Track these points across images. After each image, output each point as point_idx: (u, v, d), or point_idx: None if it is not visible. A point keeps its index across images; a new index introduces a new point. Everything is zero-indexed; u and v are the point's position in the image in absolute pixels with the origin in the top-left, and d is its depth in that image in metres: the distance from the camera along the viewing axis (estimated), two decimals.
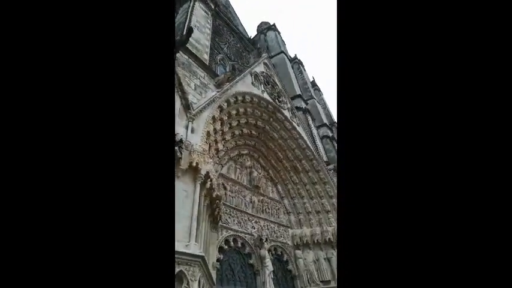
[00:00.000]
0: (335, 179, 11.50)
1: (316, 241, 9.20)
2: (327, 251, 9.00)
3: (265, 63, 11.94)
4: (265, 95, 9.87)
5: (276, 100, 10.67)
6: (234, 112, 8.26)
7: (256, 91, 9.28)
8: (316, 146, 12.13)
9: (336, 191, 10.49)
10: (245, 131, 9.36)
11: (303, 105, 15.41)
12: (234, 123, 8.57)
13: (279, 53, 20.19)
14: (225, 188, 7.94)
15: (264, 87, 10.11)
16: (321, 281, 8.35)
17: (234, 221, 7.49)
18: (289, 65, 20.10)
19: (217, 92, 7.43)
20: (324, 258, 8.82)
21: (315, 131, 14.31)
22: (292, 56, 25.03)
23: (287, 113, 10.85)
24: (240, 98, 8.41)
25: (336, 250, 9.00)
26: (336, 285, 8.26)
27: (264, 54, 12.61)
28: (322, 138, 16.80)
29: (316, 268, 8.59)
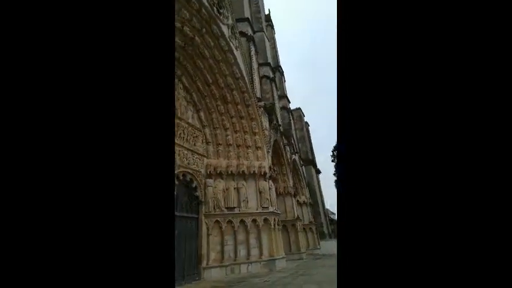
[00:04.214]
0: (263, 118, 11.26)
1: (230, 172, 9.16)
2: (238, 181, 9.17)
3: None
4: None
5: (215, 8, 8.58)
6: None
7: None
8: (253, 81, 11.16)
9: (260, 129, 10.32)
10: None
11: (249, 31, 13.48)
12: None
13: None
14: None
15: None
16: (226, 208, 8.62)
17: None
18: None
19: None
20: (234, 188, 9.01)
21: (255, 65, 13.07)
22: None
23: (225, 30, 9.05)
24: None
25: (246, 181, 9.27)
26: (239, 211, 8.74)
27: None
28: (262, 77, 15.88)
29: (224, 196, 8.73)
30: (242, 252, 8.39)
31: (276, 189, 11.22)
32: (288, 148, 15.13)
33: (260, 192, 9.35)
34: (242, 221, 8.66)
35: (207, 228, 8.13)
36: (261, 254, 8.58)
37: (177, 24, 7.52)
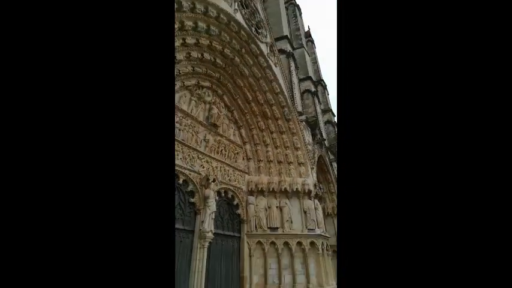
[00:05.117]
0: (305, 132, 10.73)
1: (271, 189, 8.76)
2: (281, 200, 8.66)
3: None
4: (238, 17, 8.04)
5: (253, 28, 8.89)
6: (190, 24, 6.56)
7: (225, 6, 7.41)
8: (293, 95, 10.91)
9: (302, 143, 9.80)
10: (207, 56, 7.79)
11: (289, 48, 13.55)
12: (191, 41, 6.93)
13: None
14: None
15: (238, 7, 8.19)
16: (268, 227, 8.14)
17: (177, 155, 6.57)
18: (282, 1, 17.28)
19: None
20: (277, 207, 8.51)
21: (295, 80, 12.87)
22: None
23: (264, 48, 9.22)
24: (200, 7, 6.60)
25: (290, 200, 8.68)
26: (283, 232, 8.13)
27: None
28: (303, 92, 15.52)
29: (266, 215, 8.30)
30: (287, 278, 7.64)
31: (323, 209, 10.24)
32: (334, 164, 13.97)
33: (305, 212, 8.60)
34: (286, 243, 8.00)
35: (249, 249, 7.73)
36: (308, 282, 7.66)
37: (218, 47, 7.96)
